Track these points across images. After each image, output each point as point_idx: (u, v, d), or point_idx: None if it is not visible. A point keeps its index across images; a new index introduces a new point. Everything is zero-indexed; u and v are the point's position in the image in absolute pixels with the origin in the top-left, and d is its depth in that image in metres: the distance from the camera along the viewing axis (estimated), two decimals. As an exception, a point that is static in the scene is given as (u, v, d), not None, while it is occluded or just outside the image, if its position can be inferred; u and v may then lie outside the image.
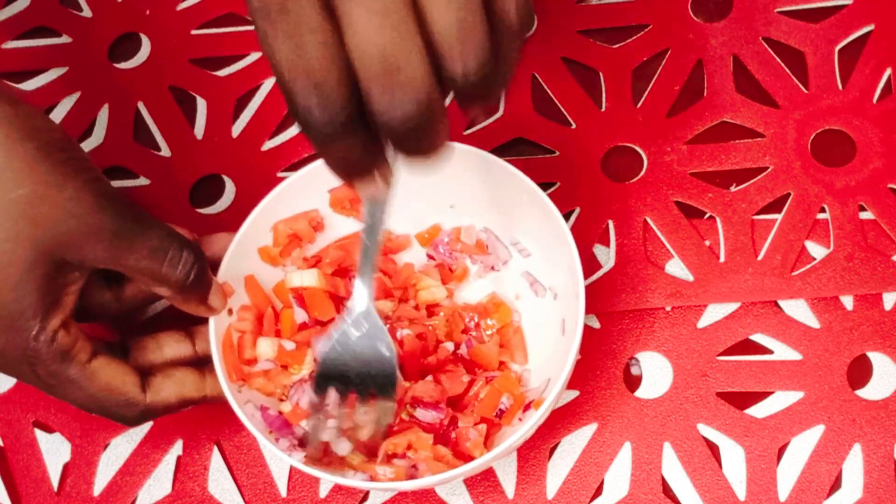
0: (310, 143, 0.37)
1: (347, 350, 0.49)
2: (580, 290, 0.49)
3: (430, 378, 0.52)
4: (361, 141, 0.37)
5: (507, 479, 0.53)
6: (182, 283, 0.48)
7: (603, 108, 0.62)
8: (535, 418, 0.47)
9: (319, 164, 0.54)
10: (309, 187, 0.54)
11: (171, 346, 0.53)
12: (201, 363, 0.52)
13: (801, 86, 0.61)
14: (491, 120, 0.62)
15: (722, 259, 0.57)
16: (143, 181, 0.63)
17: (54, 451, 0.57)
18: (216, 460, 0.56)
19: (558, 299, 0.53)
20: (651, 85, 0.62)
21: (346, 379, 0.50)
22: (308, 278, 0.54)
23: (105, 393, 0.48)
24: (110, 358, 0.49)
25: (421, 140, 0.36)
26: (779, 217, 0.58)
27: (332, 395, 0.50)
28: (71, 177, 0.46)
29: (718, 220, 0.58)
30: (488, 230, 0.56)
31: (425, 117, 0.35)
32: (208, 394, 0.51)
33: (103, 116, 0.66)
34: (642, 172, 0.60)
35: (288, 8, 0.34)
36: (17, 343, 0.46)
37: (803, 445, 0.53)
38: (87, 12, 0.70)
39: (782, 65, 0.62)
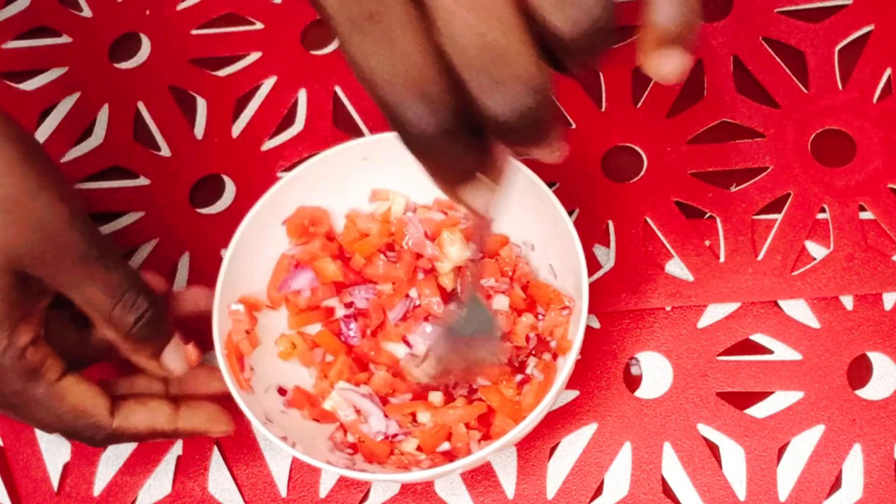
0: (413, 154, 0.34)
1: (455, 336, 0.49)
2: (583, 290, 0.49)
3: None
4: (469, 145, 0.33)
5: (507, 479, 0.53)
6: (129, 329, 0.47)
7: (603, 108, 0.62)
8: (533, 415, 0.47)
9: (311, 163, 0.54)
10: (306, 185, 0.55)
11: (143, 383, 0.52)
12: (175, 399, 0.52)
13: (801, 86, 0.61)
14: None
15: (722, 259, 0.57)
16: (143, 181, 0.63)
17: (54, 451, 0.57)
18: (216, 460, 0.56)
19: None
20: (651, 85, 0.62)
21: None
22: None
23: (72, 414, 0.47)
24: (79, 378, 0.48)
25: (538, 131, 0.33)
26: (779, 217, 0.58)
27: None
28: (46, 187, 0.45)
29: (718, 220, 0.58)
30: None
31: (542, 107, 0.32)
32: (180, 427, 0.50)
33: (103, 116, 0.66)
34: (642, 172, 0.60)
35: (378, 15, 0.31)
36: None
37: (803, 445, 0.53)
38: (87, 12, 0.70)
39: (782, 65, 0.62)
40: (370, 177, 0.56)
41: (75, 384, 0.48)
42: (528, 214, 0.53)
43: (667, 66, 0.35)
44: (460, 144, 0.33)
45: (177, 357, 0.50)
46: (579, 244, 0.50)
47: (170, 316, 0.50)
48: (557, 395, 0.48)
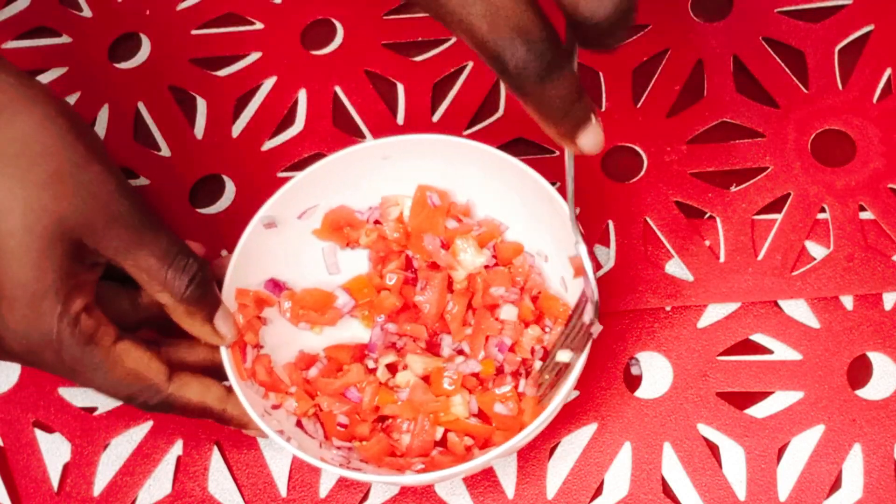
0: (532, 104, 0.40)
1: None
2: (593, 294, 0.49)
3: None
4: (578, 87, 0.40)
5: (507, 479, 0.53)
6: (183, 292, 0.48)
7: (603, 108, 0.62)
8: (538, 421, 0.47)
9: (318, 166, 0.54)
10: (310, 187, 0.54)
11: (204, 352, 0.52)
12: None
13: (801, 86, 0.61)
14: (491, 120, 0.62)
15: (722, 259, 0.57)
16: (143, 181, 0.63)
17: (54, 451, 0.57)
18: (216, 460, 0.56)
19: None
20: (651, 85, 0.62)
21: None
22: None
23: (130, 379, 0.48)
24: (134, 343, 0.49)
25: (625, 27, 0.39)
26: (779, 217, 0.58)
27: None
28: (95, 161, 0.46)
29: (718, 220, 0.58)
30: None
31: (633, 1, 0.38)
32: (228, 410, 0.51)
33: (103, 116, 0.66)
34: (642, 172, 0.60)
35: None
36: (40, 326, 0.46)
37: (803, 445, 0.53)
38: (87, 12, 0.70)
39: (782, 65, 0.62)
40: (389, 176, 0.55)
41: (131, 349, 0.48)
42: (543, 224, 0.53)
43: (591, 141, 0.42)
44: (569, 85, 0.40)
45: (228, 323, 0.50)
46: (591, 267, 0.49)
47: (214, 282, 0.51)
48: (560, 405, 0.48)
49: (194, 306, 0.49)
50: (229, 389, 0.51)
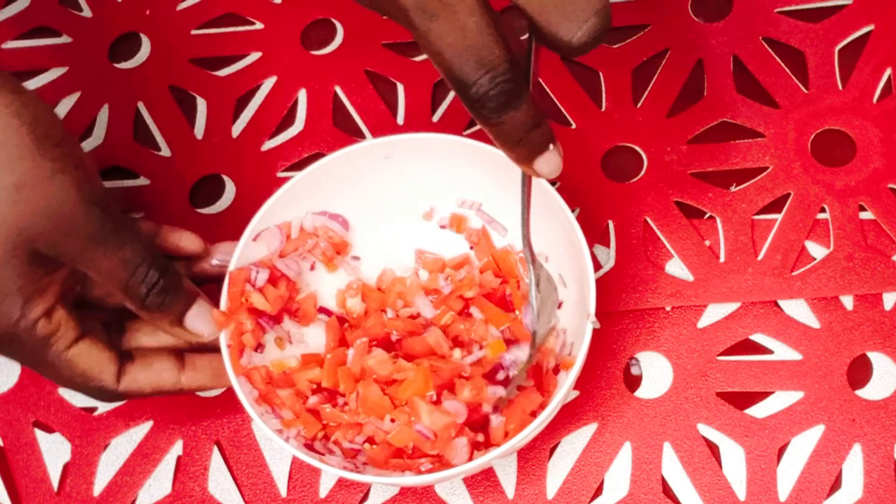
0: (488, 127, 0.42)
1: None
2: (591, 298, 0.49)
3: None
4: (537, 117, 0.42)
5: (507, 479, 0.53)
6: (143, 300, 0.49)
7: (603, 108, 0.62)
8: (538, 421, 0.47)
9: (318, 166, 0.54)
10: (311, 189, 0.55)
11: (166, 338, 0.53)
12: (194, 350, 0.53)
13: (801, 86, 0.61)
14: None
15: (722, 259, 0.57)
16: (143, 181, 0.63)
17: (54, 451, 0.57)
18: (216, 460, 0.56)
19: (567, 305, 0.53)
20: (651, 85, 0.62)
21: None
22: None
23: (81, 379, 0.50)
24: (92, 343, 0.50)
25: (597, 45, 0.40)
26: (779, 217, 0.58)
27: None
28: (59, 172, 0.47)
29: (718, 220, 0.58)
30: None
31: (607, 22, 0.39)
32: (184, 386, 0.52)
33: (103, 116, 0.66)
34: (642, 172, 0.60)
35: (450, 2, 0.39)
36: (1, 325, 0.48)
37: (803, 445, 0.53)
38: (87, 12, 0.70)
39: (782, 65, 0.62)
40: (391, 176, 0.55)
41: (86, 351, 0.50)
42: (544, 223, 0.53)
43: (546, 168, 0.44)
44: (527, 114, 0.41)
45: (205, 320, 0.51)
46: (591, 271, 0.49)
47: (187, 283, 0.51)
48: (559, 405, 0.49)
49: (156, 313, 0.50)
50: (180, 357, 0.52)
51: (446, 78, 0.41)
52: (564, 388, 0.48)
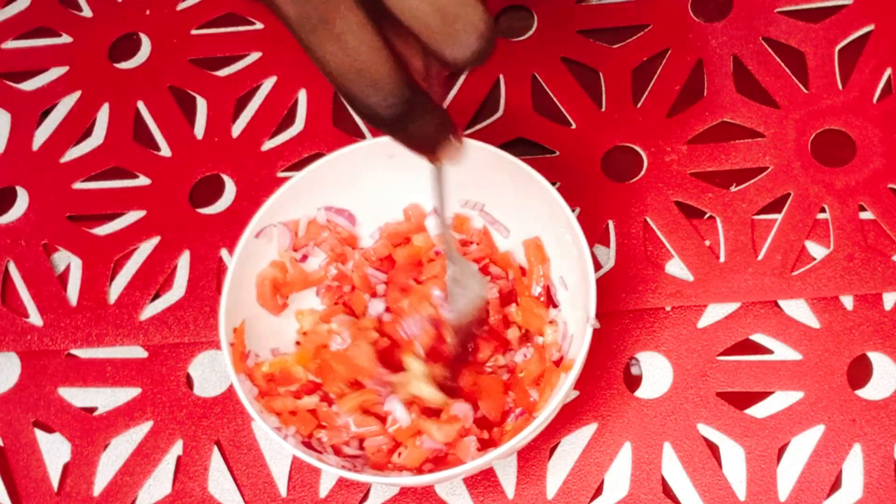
0: (388, 134, 0.40)
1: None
2: (591, 296, 0.49)
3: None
4: (429, 113, 0.40)
5: (507, 479, 0.53)
6: None
7: (603, 108, 0.62)
8: (538, 421, 0.47)
9: (322, 164, 0.54)
10: (312, 187, 0.55)
11: None
12: None
13: (801, 86, 0.61)
14: (491, 120, 0.62)
15: (722, 259, 0.57)
16: (143, 181, 0.63)
17: (54, 451, 0.57)
18: (216, 460, 0.56)
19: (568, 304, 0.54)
20: (651, 85, 0.62)
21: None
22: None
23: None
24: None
25: (484, 62, 0.39)
26: (779, 217, 0.58)
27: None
28: None
29: (718, 220, 0.58)
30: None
31: (491, 45, 0.38)
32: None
33: (103, 116, 0.66)
34: (642, 172, 0.60)
35: (328, 16, 0.37)
36: None
37: (803, 445, 0.53)
38: (87, 12, 0.70)
39: (782, 65, 0.62)
40: (394, 175, 0.55)
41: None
42: (540, 225, 0.53)
43: (448, 157, 0.42)
44: (423, 115, 0.40)
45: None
46: (592, 272, 0.49)
47: None
48: (560, 405, 0.49)
49: None
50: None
51: (334, 86, 0.39)
52: (564, 388, 0.48)
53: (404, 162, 0.54)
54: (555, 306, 0.54)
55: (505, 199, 0.55)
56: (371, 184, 0.56)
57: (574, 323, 0.52)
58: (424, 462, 0.51)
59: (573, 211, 0.51)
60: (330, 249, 0.56)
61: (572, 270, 0.52)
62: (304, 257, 0.56)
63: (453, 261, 0.52)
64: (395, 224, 0.57)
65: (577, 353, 0.48)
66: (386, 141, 0.54)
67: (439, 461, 0.51)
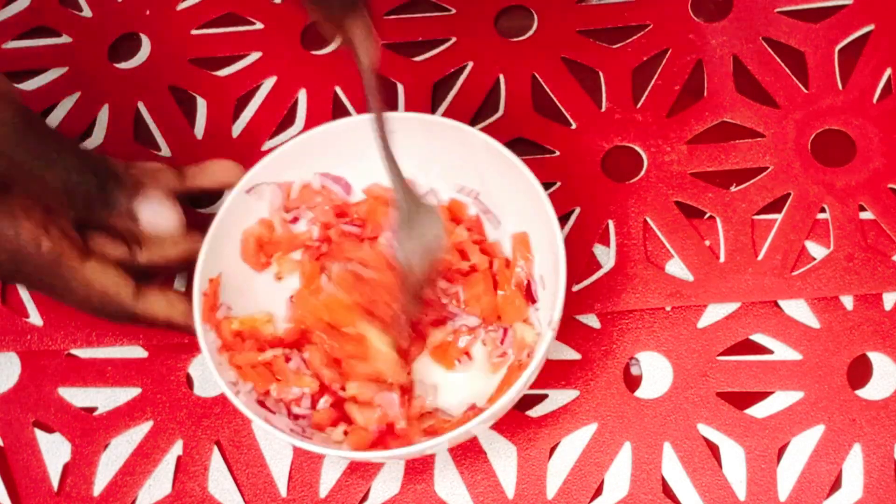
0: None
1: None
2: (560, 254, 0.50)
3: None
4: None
5: (507, 479, 0.53)
6: (86, 201, 0.49)
7: (603, 108, 0.62)
8: (522, 380, 0.48)
9: (321, 130, 0.55)
10: (311, 151, 0.56)
11: (176, 250, 0.55)
12: None
13: (801, 86, 0.61)
14: (491, 120, 0.62)
15: (722, 259, 0.57)
16: (143, 181, 0.63)
17: (54, 451, 0.57)
18: (216, 460, 0.56)
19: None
20: (651, 85, 0.62)
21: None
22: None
23: (98, 297, 0.52)
24: (103, 262, 0.52)
25: None
26: (779, 217, 0.58)
27: None
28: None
29: (718, 220, 0.58)
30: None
31: None
32: (192, 325, 0.52)
33: (103, 116, 0.66)
34: (642, 172, 0.60)
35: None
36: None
37: (803, 445, 0.53)
38: (87, 12, 0.70)
39: (782, 65, 0.62)
40: (394, 152, 0.55)
41: (101, 269, 0.52)
42: (528, 222, 0.53)
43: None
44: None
45: (155, 212, 0.51)
46: (564, 270, 0.50)
47: (131, 173, 0.52)
48: (535, 373, 0.49)
49: (104, 212, 0.50)
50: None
51: None
52: (518, 386, 0.48)
53: (406, 139, 0.55)
54: (533, 302, 0.54)
55: (498, 190, 0.55)
56: (371, 155, 0.55)
57: (543, 324, 0.52)
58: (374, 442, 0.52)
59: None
60: (322, 214, 0.56)
61: (554, 271, 0.52)
62: (295, 219, 0.57)
63: (403, 196, 0.50)
64: (381, 187, 0.57)
65: (537, 353, 0.49)
66: (390, 116, 0.54)
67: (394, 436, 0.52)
